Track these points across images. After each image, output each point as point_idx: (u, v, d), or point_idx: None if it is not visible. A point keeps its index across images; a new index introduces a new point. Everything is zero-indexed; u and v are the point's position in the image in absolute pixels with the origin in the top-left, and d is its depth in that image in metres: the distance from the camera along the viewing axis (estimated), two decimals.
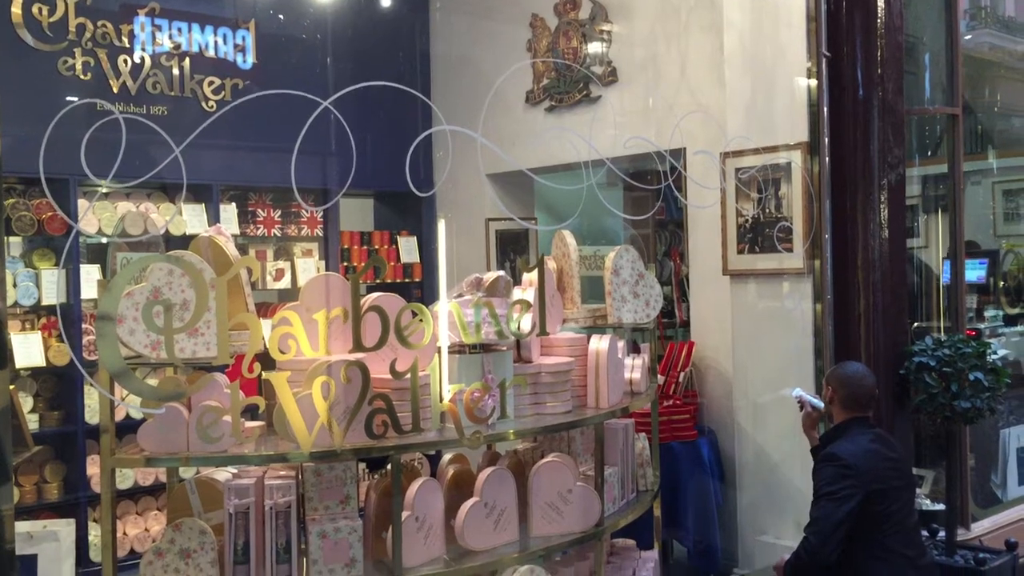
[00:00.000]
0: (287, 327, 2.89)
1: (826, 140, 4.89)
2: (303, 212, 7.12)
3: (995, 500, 6.13)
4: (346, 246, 7.36)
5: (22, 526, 4.31)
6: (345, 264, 7.24)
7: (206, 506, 3.16)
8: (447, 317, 3.14)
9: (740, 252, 5.21)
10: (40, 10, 5.77)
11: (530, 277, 3.49)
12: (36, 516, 5.48)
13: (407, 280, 7.63)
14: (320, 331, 2.97)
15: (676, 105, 5.67)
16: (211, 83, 6.46)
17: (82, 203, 5.89)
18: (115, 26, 6.05)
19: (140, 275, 2.73)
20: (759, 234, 5.11)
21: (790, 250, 4.96)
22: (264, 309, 6.00)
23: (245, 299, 3.01)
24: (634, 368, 3.90)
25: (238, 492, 2.89)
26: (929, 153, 6.09)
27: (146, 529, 6.14)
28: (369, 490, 3.28)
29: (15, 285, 5.66)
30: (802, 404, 4.14)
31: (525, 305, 3.29)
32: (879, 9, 4.86)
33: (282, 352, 2.87)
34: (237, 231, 6.66)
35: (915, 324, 5.61)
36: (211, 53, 6.49)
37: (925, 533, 4.70)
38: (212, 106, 6.40)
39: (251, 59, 6.68)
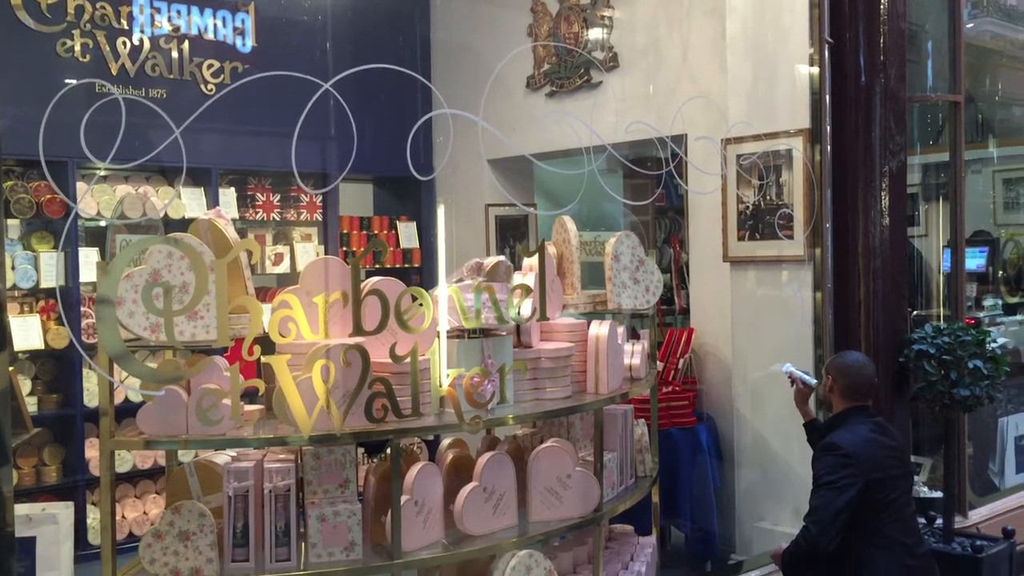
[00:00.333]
0: (287, 310, 2.88)
1: (828, 128, 4.87)
2: (302, 197, 7.10)
3: (993, 488, 6.15)
4: (345, 231, 7.35)
5: (21, 508, 4.31)
6: (344, 249, 7.22)
7: (205, 489, 3.16)
8: (447, 302, 3.13)
9: (740, 239, 5.20)
10: None
11: (530, 262, 3.48)
12: (35, 499, 5.49)
13: (406, 265, 7.62)
14: (320, 314, 2.96)
15: (677, 91, 5.65)
16: (210, 66, 6.43)
17: (81, 186, 5.87)
18: (114, 8, 6.02)
19: (139, 257, 2.72)
20: (760, 221, 5.10)
21: (791, 237, 4.95)
22: (263, 294, 5.99)
23: (245, 282, 3.01)
24: (634, 354, 3.90)
25: (237, 475, 2.89)
26: (931, 142, 6.08)
27: (145, 512, 6.15)
28: (368, 474, 3.28)
29: (13, 268, 5.65)
30: (793, 379, 4.16)
31: (525, 290, 3.28)
32: None
33: (282, 335, 2.86)
34: (236, 215, 6.64)
35: (914, 312, 5.61)
36: (210, 36, 6.46)
37: (923, 520, 4.71)
38: (211, 89, 6.38)
39: (250, 42, 6.65)
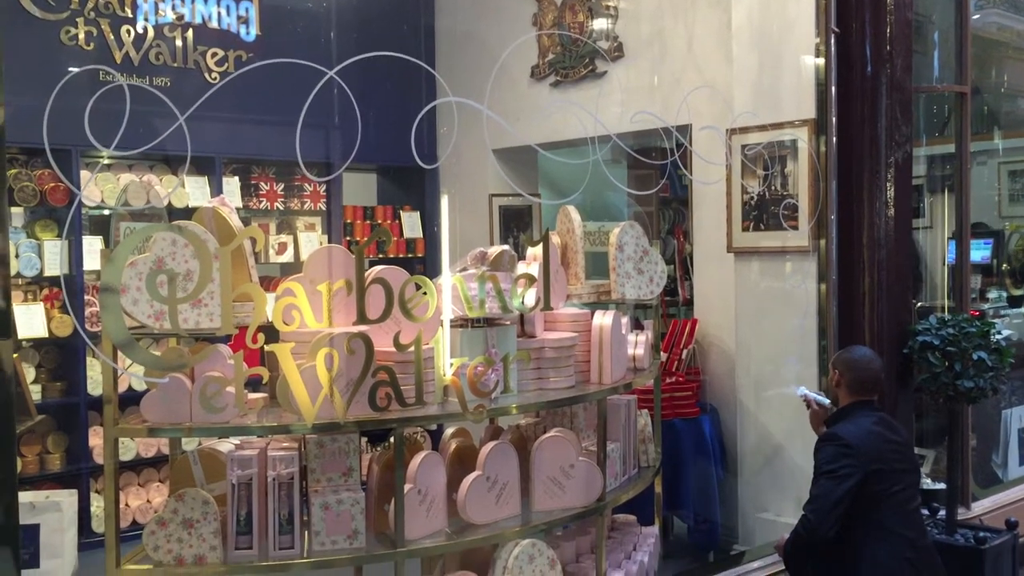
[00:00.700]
0: (291, 298, 2.88)
1: (833, 118, 4.86)
2: (306, 186, 7.09)
3: (996, 480, 6.15)
4: (349, 220, 7.34)
5: (25, 496, 4.33)
6: (348, 238, 7.22)
7: (209, 478, 3.17)
8: (451, 291, 3.13)
9: (745, 230, 5.19)
10: None
11: (534, 252, 3.47)
12: (39, 487, 5.50)
13: (410, 255, 7.62)
14: (324, 303, 2.96)
15: (682, 81, 5.63)
16: (214, 55, 6.42)
17: (84, 174, 5.87)
18: None
19: (143, 245, 2.72)
20: (764, 211, 5.08)
21: (795, 228, 4.94)
22: (267, 283, 6.00)
23: (249, 270, 3.00)
24: (637, 344, 3.89)
25: (241, 463, 2.89)
26: (937, 133, 6.06)
27: (148, 500, 6.17)
28: (371, 463, 3.29)
29: (17, 256, 5.66)
30: (808, 402, 4.14)
31: (529, 279, 3.27)
32: None
33: (286, 323, 2.86)
34: (240, 204, 6.65)
35: (919, 304, 5.60)
36: (214, 24, 6.45)
37: (925, 512, 4.71)
38: (215, 78, 6.37)
39: (254, 31, 6.64)
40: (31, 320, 5.71)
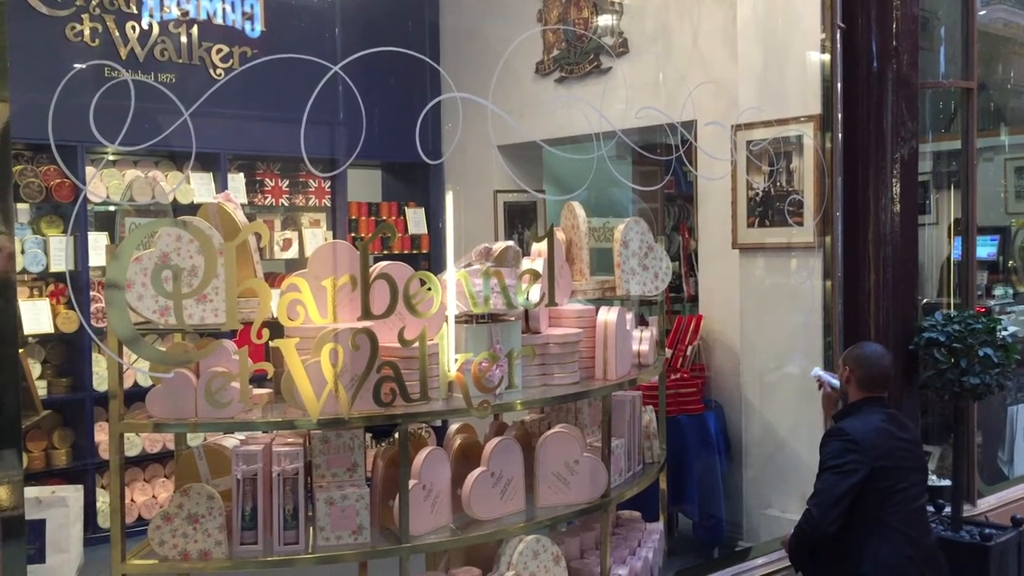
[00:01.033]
0: (296, 294, 2.88)
1: (839, 114, 4.84)
2: (311, 182, 7.10)
3: (1001, 476, 6.14)
4: (354, 217, 7.34)
5: (31, 491, 4.34)
6: (353, 235, 7.23)
7: (214, 473, 3.18)
8: (455, 286, 3.13)
9: (750, 226, 5.18)
10: None
11: (539, 247, 3.47)
12: (45, 482, 5.52)
13: (415, 251, 7.62)
14: (328, 298, 2.96)
15: (687, 77, 5.62)
16: (219, 51, 6.43)
17: (90, 170, 5.88)
18: None
19: (148, 240, 2.72)
20: (769, 208, 5.08)
21: (800, 224, 4.93)
22: (271, 279, 6.00)
23: (254, 266, 3.01)
24: (642, 340, 3.89)
25: (246, 458, 2.90)
26: (943, 129, 6.04)
27: (154, 496, 6.18)
28: (376, 458, 3.29)
29: (23, 252, 5.66)
30: (821, 383, 4.14)
31: (534, 275, 3.27)
32: None
33: (290, 319, 2.86)
34: (245, 200, 6.65)
35: (924, 300, 5.59)
36: (219, 20, 6.45)
37: (931, 508, 4.70)
38: (220, 74, 6.37)
39: (259, 27, 6.64)
40: (37, 316, 5.72)
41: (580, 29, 6.45)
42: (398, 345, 2.93)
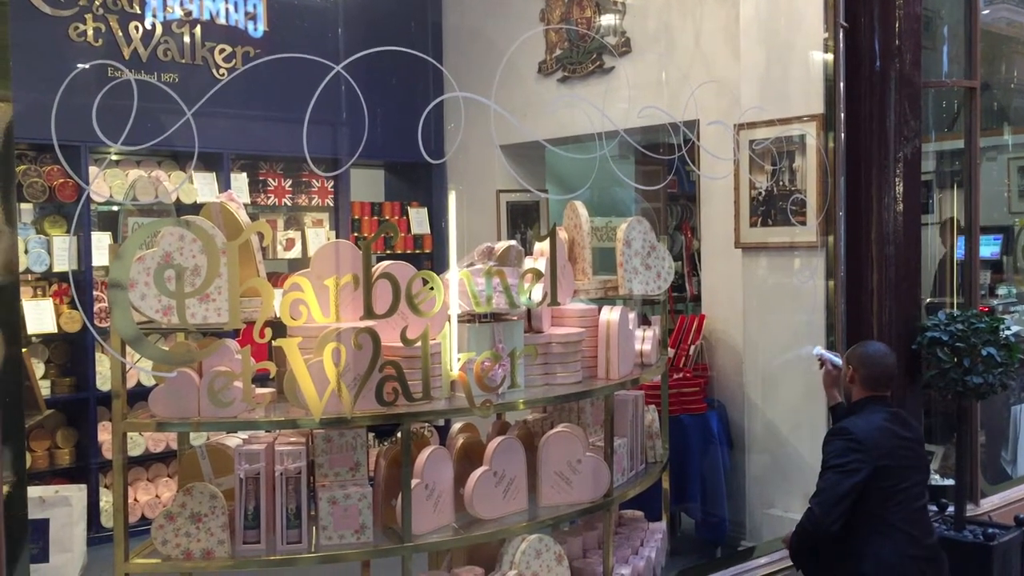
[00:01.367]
0: (298, 293, 2.88)
1: (842, 113, 4.84)
2: (314, 182, 7.11)
3: (1005, 476, 6.13)
4: (356, 216, 7.35)
5: (34, 491, 4.36)
6: (356, 234, 7.23)
7: (217, 472, 3.18)
8: (458, 286, 3.13)
9: (753, 225, 5.17)
10: None
11: (542, 247, 3.47)
12: (48, 482, 5.53)
13: (417, 251, 7.63)
14: (331, 298, 2.96)
15: (690, 76, 5.62)
16: (222, 51, 6.44)
17: (93, 170, 5.89)
18: None
19: (151, 240, 2.73)
20: (772, 207, 5.07)
21: (803, 223, 4.93)
22: (274, 279, 6.00)
23: (256, 265, 3.01)
24: (645, 340, 3.89)
25: (249, 457, 2.90)
26: (946, 128, 6.03)
27: (157, 495, 6.19)
28: (379, 457, 3.29)
29: (26, 252, 5.67)
30: (822, 362, 4.15)
31: (536, 274, 3.27)
32: None
33: (293, 318, 2.86)
34: (248, 200, 6.66)
35: (928, 300, 5.58)
36: (222, 21, 6.46)
37: (934, 508, 4.70)
38: (223, 74, 6.38)
39: (262, 27, 6.65)
40: (40, 316, 5.73)
41: (583, 29, 6.45)
42: (401, 344, 2.93)
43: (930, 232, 6.09)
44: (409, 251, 7.58)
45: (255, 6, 6.62)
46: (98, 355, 5.90)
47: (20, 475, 2.40)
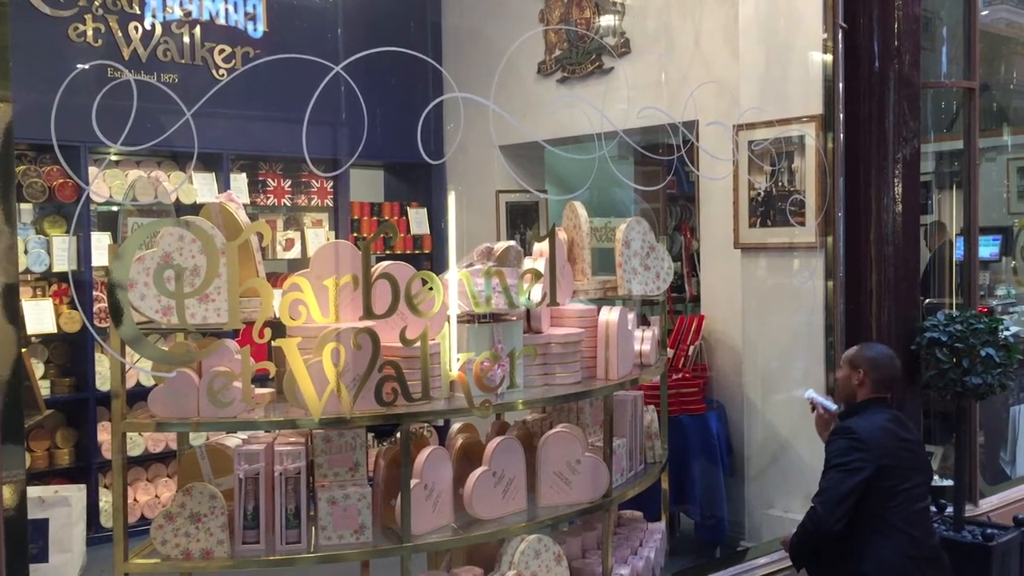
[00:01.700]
0: (298, 293, 2.89)
1: (841, 114, 4.84)
2: (313, 182, 7.11)
3: (1004, 477, 6.13)
4: (356, 217, 7.35)
5: (34, 491, 4.36)
6: (355, 235, 7.23)
7: (216, 473, 3.18)
8: (457, 286, 3.13)
9: (752, 226, 5.18)
10: None
11: (541, 247, 3.47)
12: (48, 482, 5.53)
13: (417, 251, 7.63)
14: (330, 298, 2.97)
15: (689, 77, 5.62)
16: (222, 51, 6.44)
17: (92, 170, 5.89)
18: None
19: (151, 240, 2.73)
20: (771, 207, 5.08)
21: (802, 224, 4.93)
22: (274, 279, 6.00)
23: (256, 266, 3.01)
24: (644, 340, 3.89)
25: (248, 457, 2.90)
26: (945, 129, 6.04)
27: (156, 496, 6.19)
28: (378, 458, 3.29)
29: (26, 252, 5.67)
30: (814, 406, 4.13)
31: (535, 275, 3.27)
32: None
33: (292, 318, 2.87)
34: (247, 200, 6.66)
35: (927, 300, 5.59)
36: (222, 21, 6.46)
37: (933, 508, 4.70)
38: (222, 74, 6.38)
39: (262, 28, 6.65)
40: (40, 316, 5.73)
41: (582, 29, 6.45)
42: (400, 345, 2.93)
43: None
44: (408, 251, 7.58)
45: (255, 7, 6.62)
46: (98, 355, 5.90)
47: (20, 476, 2.40)
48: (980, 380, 4.58)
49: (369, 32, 6.94)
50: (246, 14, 6.58)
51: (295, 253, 6.92)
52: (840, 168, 4.86)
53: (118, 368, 2.78)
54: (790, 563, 3.87)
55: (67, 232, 5.88)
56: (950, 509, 4.83)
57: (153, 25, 6.12)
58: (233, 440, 3.23)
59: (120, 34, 6.01)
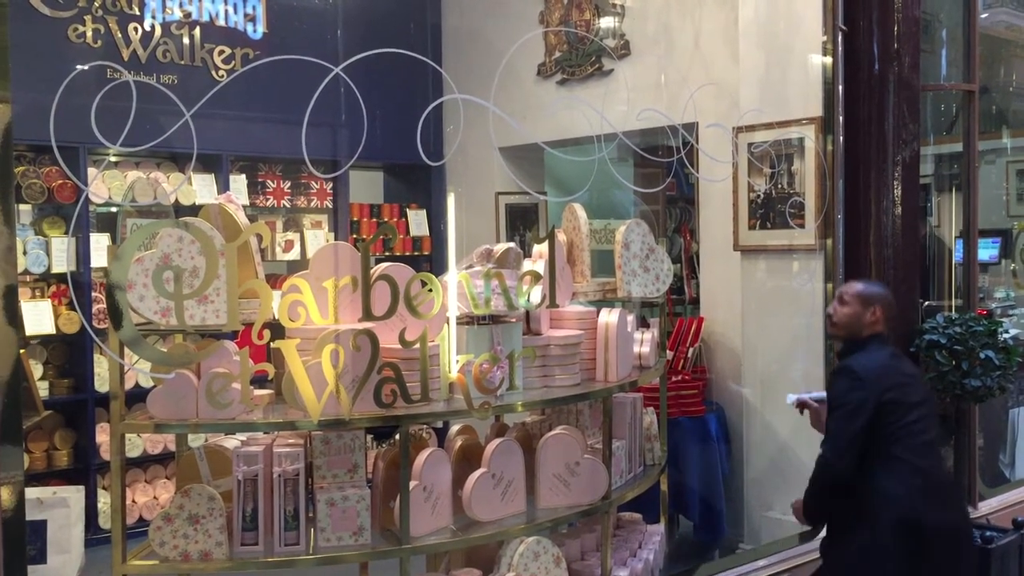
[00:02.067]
0: (297, 295, 2.88)
1: (840, 116, 4.84)
2: (312, 184, 7.10)
3: (1003, 479, 6.13)
4: (355, 218, 7.35)
5: (32, 492, 4.34)
6: (354, 236, 7.23)
7: (215, 474, 3.18)
8: (456, 288, 3.13)
9: (751, 228, 5.18)
10: None
11: (540, 249, 3.47)
12: (46, 483, 5.52)
13: (416, 253, 7.62)
14: (329, 299, 2.96)
15: (689, 79, 5.62)
16: (221, 52, 6.44)
17: (92, 171, 5.89)
18: None
19: (150, 241, 2.73)
20: (771, 210, 5.08)
21: (802, 226, 4.93)
22: (273, 280, 6.01)
23: (255, 267, 3.01)
24: (643, 342, 3.89)
25: (247, 459, 2.90)
26: (944, 132, 6.04)
27: (155, 497, 6.19)
28: (377, 459, 3.29)
29: (25, 253, 5.67)
30: (803, 405, 4.11)
31: (535, 277, 3.27)
32: None
33: (291, 320, 2.86)
34: (247, 201, 6.66)
35: (926, 303, 5.58)
36: (221, 22, 6.46)
37: None
38: (222, 75, 6.38)
39: (261, 29, 6.65)
40: (39, 317, 5.72)
41: (582, 31, 6.45)
42: (399, 346, 2.93)
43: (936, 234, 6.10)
44: (408, 253, 7.57)
45: (254, 8, 6.62)
46: (96, 356, 5.90)
47: (18, 477, 2.40)
48: (979, 383, 4.58)
49: (369, 33, 6.94)
50: (246, 15, 6.58)
51: (294, 254, 6.92)
52: (840, 170, 4.86)
53: (117, 369, 2.78)
54: (790, 566, 3.86)
55: (66, 233, 5.88)
56: None
57: (153, 26, 6.12)
58: (232, 441, 3.22)
59: (120, 35, 6.00)
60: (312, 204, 7.12)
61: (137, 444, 6.07)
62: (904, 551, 3.44)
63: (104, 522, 5.77)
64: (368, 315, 2.90)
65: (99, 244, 5.88)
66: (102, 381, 5.86)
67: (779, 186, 5.03)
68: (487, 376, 3.09)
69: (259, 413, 2.93)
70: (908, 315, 4.95)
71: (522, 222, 7.21)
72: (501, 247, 3.41)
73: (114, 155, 6.23)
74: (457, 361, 3.10)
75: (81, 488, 4.76)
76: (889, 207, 4.86)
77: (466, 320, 3.21)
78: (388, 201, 7.91)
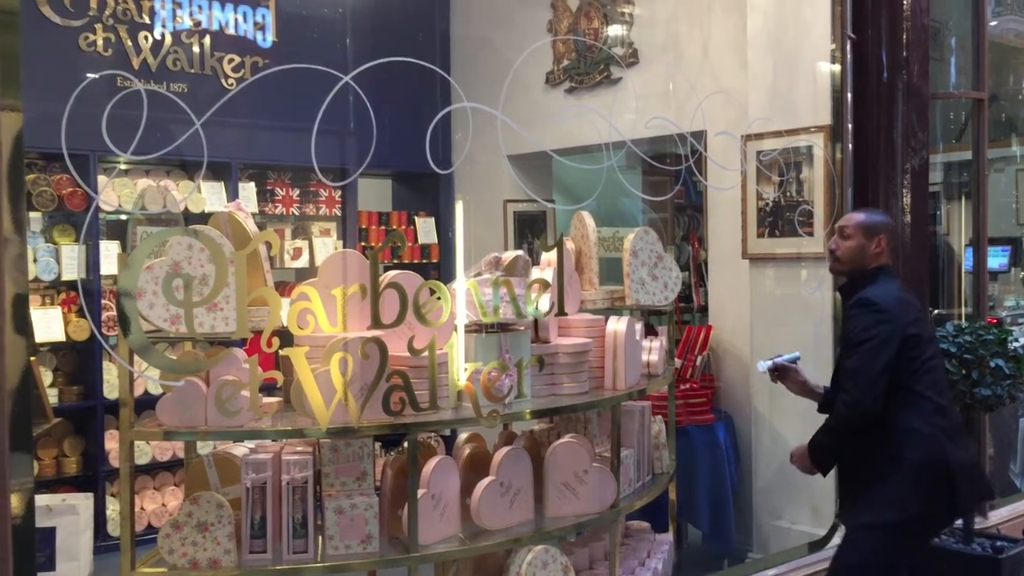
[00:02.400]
0: (306, 302, 2.89)
1: (849, 124, 4.84)
2: (321, 192, 7.12)
3: (1013, 489, 6.10)
4: (364, 226, 7.36)
5: (41, 499, 4.35)
6: (363, 244, 7.24)
7: (223, 482, 3.18)
8: (465, 296, 3.13)
9: (760, 236, 5.17)
10: None
11: (548, 257, 3.47)
12: (55, 490, 5.54)
13: (424, 261, 7.63)
14: (338, 307, 2.97)
15: (698, 87, 5.62)
16: (231, 61, 6.46)
17: (102, 179, 5.91)
18: (136, 3, 6.06)
19: (160, 249, 2.74)
20: (779, 218, 5.07)
21: (811, 234, 4.92)
22: (281, 288, 6.01)
23: (264, 275, 3.02)
24: (651, 351, 3.88)
25: (255, 467, 2.91)
26: (953, 140, 6.03)
27: (163, 504, 6.19)
28: (385, 467, 3.29)
29: (35, 260, 5.69)
30: (776, 372, 3.97)
31: (543, 285, 3.27)
32: None
33: (300, 328, 2.87)
34: (256, 209, 6.68)
35: (935, 311, 5.57)
36: (231, 31, 6.49)
37: None
38: (232, 84, 6.41)
39: (271, 37, 6.68)
40: (48, 324, 5.74)
41: (590, 39, 6.46)
42: (408, 354, 2.93)
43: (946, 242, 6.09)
44: (416, 261, 7.58)
45: (264, 16, 6.65)
46: (106, 363, 5.91)
47: (28, 484, 2.40)
48: (989, 391, 4.55)
49: (378, 42, 6.96)
50: (255, 24, 6.61)
51: (303, 262, 6.93)
52: (849, 178, 4.85)
53: (126, 376, 2.79)
54: (800, 575, 3.83)
55: (76, 241, 5.90)
56: (959, 521, 4.80)
57: (163, 35, 6.15)
58: (240, 449, 3.23)
59: (130, 44, 6.03)
60: (321, 212, 7.13)
61: (146, 451, 6.08)
62: (928, 491, 3.35)
63: (113, 529, 5.78)
64: (377, 323, 2.91)
65: (109, 252, 5.90)
66: (111, 388, 5.88)
67: (788, 194, 5.03)
68: (495, 384, 3.09)
69: (268, 421, 2.93)
70: None
71: (530, 230, 7.21)
72: (510, 255, 3.42)
73: (124, 163, 6.26)
74: (465, 369, 3.10)
75: (90, 495, 4.77)
76: (898, 215, 4.85)
77: (475, 328, 3.21)
78: (397, 209, 7.92)
